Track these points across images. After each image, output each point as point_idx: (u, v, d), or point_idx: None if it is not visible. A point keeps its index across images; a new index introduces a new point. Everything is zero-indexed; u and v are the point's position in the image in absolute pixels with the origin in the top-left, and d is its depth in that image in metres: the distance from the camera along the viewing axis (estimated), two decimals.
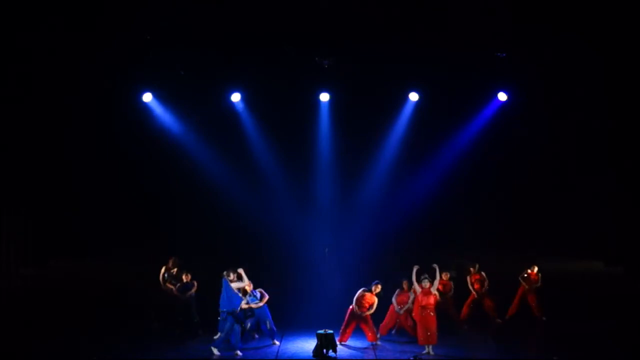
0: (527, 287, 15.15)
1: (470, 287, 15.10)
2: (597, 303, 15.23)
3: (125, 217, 16.81)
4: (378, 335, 13.62)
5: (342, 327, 13.47)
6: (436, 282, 13.01)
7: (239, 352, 12.75)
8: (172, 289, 14.77)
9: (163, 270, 15.00)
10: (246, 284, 13.18)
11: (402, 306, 13.58)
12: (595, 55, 14.94)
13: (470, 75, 15.86)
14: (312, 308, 15.21)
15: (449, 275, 14.86)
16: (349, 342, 13.52)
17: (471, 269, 15.25)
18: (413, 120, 17.08)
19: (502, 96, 16.57)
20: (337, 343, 12.87)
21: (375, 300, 13.46)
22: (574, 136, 16.62)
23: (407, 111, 17.07)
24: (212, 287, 14.25)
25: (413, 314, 13.19)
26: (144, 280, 15.83)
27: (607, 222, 16.78)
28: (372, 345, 13.40)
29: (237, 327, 12.89)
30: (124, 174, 16.82)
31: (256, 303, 13.44)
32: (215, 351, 12.75)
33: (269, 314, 13.62)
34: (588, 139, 16.51)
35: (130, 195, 16.91)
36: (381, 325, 13.87)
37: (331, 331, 12.73)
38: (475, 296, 15.05)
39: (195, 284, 14.77)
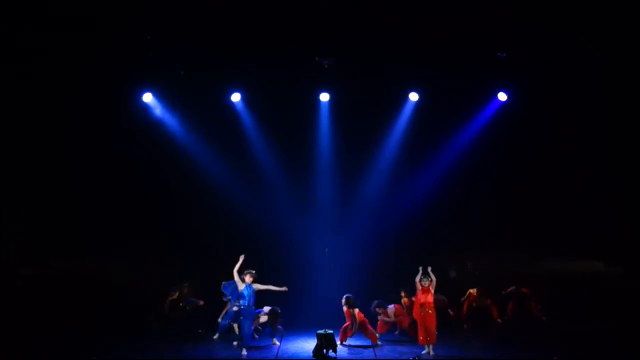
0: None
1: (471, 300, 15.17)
2: (597, 303, 15.23)
3: (125, 217, 16.80)
4: (377, 335, 13.65)
5: (342, 328, 13.48)
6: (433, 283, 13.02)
7: (245, 352, 12.78)
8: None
9: (175, 297, 14.99)
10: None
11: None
12: (595, 55, 14.94)
13: (470, 75, 15.87)
14: (312, 308, 15.21)
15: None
16: (349, 342, 13.53)
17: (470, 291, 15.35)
18: (413, 120, 17.08)
19: (502, 96, 16.58)
20: (337, 343, 12.87)
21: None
22: (574, 136, 16.60)
23: (407, 111, 17.07)
24: (212, 286, 14.33)
25: (413, 313, 13.19)
26: (144, 280, 15.87)
27: (607, 222, 16.77)
28: (373, 345, 13.41)
29: (250, 324, 12.90)
30: (124, 174, 16.81)
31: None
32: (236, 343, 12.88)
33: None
34: (588, 138, 16.50)
35: (130, 195, 16.90)
36: (377, 324, 13.93)
37: (331, 331, 12.74)
38: (474, 295, 15.08)
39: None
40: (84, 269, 16.92)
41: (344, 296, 13.69)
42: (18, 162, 16.05)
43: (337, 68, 15.68)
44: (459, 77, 15.79)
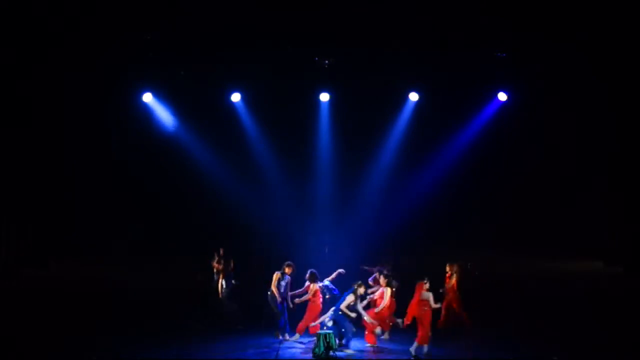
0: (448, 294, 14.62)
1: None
2: (597, 303, 15.22)
3: (125, 217, 16.82)
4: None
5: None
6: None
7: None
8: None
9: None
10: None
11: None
12: (596, 55, 14.94)
13: (470, 75, 15.87)
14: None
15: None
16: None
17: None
18: (413, 120, 17.09)
19: (502, 96, 16.58)
20: (337, 343, 12.84)
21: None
22: (574, 136, 16.61)
23: (407, 111, 17.08)
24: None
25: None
26: (144, 280, 15.88)
27: (607, 222, 16.77)
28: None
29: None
30: (124, 174, 16.83)
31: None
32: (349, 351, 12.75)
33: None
34: (588, 138, 16.51)
35: (130, 195, 16.92)
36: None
37: (331, 331, 12.72)
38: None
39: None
40: (84, 269, 16.93)
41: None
42: (18, 162, 16.06)
43: (337, 68, 15.69)
44: (459, 77, 15.80)
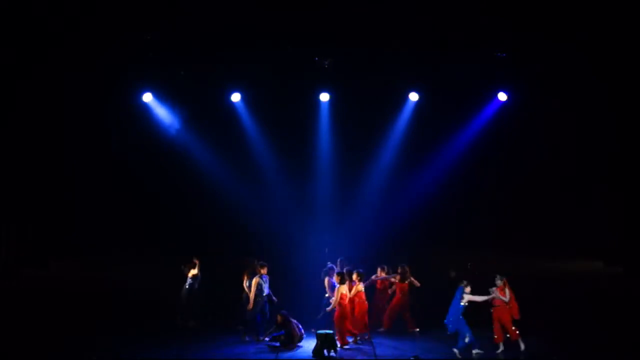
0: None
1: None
2: (597, 303, 15.22)
3: (125, 217, 16.81)
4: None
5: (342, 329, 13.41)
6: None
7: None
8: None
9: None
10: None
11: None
12: (596, 55, 14.95)
13: (470, 75, 15.87)
14: (312, 308, 15.19)
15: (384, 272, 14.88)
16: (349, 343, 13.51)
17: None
18: (413, 120, 17.09)
19: (502, 96, 16.58)
20: (338, 345, 12.84)
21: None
22: (574, 136, 16.61)
23: (407, 111, 17.09)
24: (211, 285, 14.32)
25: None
26: (144, 280, 15.87)
27: (607, 222, 16.76)
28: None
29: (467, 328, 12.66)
30: (124, 174, 16.82)
31: None
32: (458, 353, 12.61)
33: None
34: (588, 138, 16.50)
35: (130, 195, 16.91)
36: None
37: (331, 331, 12.73)
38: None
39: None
40: (84, 270, 16.93)
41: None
42: (18, 162, 16.06)
43: (337, 68, 15.69)
44: (459, 77, 15.79)
